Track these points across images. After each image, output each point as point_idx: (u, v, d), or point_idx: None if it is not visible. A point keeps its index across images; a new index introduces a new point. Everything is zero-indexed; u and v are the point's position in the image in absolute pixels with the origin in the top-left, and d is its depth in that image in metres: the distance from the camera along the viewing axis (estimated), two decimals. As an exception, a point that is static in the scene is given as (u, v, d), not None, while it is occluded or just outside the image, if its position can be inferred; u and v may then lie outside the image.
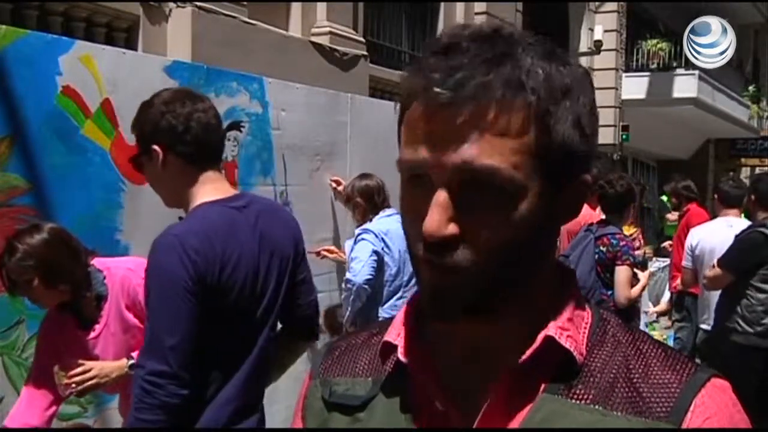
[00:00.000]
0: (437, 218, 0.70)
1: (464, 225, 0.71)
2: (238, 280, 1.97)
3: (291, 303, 2.20)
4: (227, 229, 1.98)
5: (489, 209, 0.71)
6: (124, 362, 2.42)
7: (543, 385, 0.76)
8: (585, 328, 0.79)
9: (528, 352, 0.75)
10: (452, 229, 0.71)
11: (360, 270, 4.04)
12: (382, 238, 4.14)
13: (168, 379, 1.87)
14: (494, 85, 0.70)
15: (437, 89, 0.70)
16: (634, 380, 0.75)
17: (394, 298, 4.20)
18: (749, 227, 4.32)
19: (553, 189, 0.74)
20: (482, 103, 0.69)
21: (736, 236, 4.30)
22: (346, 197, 4.44)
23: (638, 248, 5.25)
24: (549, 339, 0.75)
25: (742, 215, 5.05)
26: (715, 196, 5.22)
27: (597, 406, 0.74)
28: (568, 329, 0.77)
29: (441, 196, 0.71)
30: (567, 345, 0.76)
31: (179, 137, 1.97)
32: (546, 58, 0.73)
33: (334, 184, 4.65)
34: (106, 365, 2.43)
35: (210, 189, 2.03)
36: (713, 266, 4.41)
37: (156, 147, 1.99)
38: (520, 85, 0.70)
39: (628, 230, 5.24)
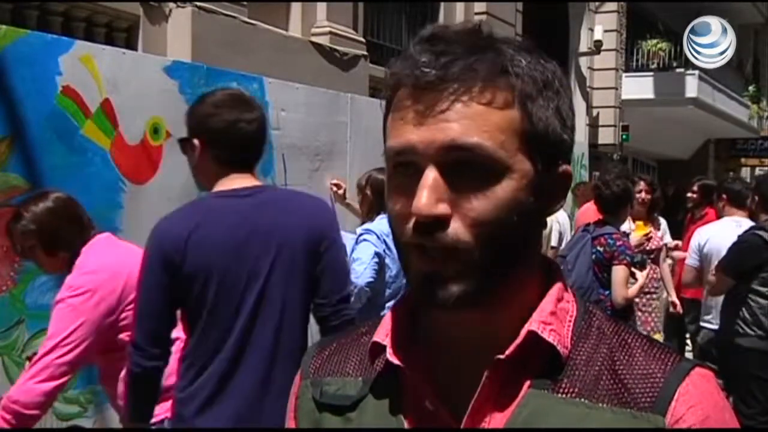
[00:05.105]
0: (427, 197, 0.70)
1: (453, 205, 0.72)
2: (211, 263, 2.01)
3: (310, 301, 2.18)
4: (206, 214, 2.06)
5: (477, 188, 0.72)
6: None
7: (529, 380, 0.76)
8: (569, 321, 0.79)
9: (511, 348, 0.75)
10: (442, 208, 0.71)
11: (362, 272, 4.04)
12: (384, 240, 4.14)
13: (135, 350, 2.06)
14: (479, 67, 0.72)
15: (425, 69, 0.72)
16: (619, 372, 0.76)
17: (394, 299, 4.21)
18: (748, 229, 4.30)
19: (537, 174, 0.74)
20: (468, 82, 0.71)
21: (736, 239, 4.29)
22: (358, 186, 4.42)
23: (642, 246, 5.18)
24: (532, 334, 0.76)
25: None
26: (723, 196, 5.17)
27: (583, 399, 0.74)
28: (552, 323, 0.77)
29: (430, 175, 0.71)
30: (550, 339, 0.76)
31: (218, 141, 2.10)
32: (527, 52, 0.76)
33: (335, 188, 4.65)
34: None
35: (227, 185, 2.12)
36: (712, 273, 4.39)
37: (196, 141, 2.12)
38: (503, 69, 0.73)
39: (643, 229, 5.22)
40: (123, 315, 2.35)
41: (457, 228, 0.71)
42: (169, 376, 2.37)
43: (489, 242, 0.72)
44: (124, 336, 2.35)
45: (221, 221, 2.05)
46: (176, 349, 2.37)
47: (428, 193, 0.71)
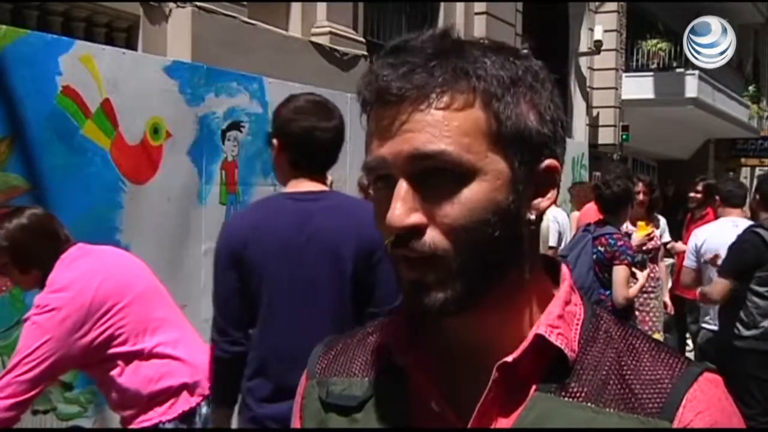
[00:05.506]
0: (399, 209, 0.71)
1: (428, 213, 0.72)
2: (269, 261, 2.12)
3: (359, 313, 2.18)
4: (268, 212, 2.21)
5: (448, 194, 0.72)
6: None
7: (535, 384, 0.76)
8: (577, 324, 0.78)
9: (518, 351, 0.75)
10: (415, 218, 0.71)
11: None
12: (385, 239, 4.14)
13: (220, 336, 2.18)
14: (437, 73, 0.72)
15: (384, 83, 0.72)
16: (626, 377, 0.75)
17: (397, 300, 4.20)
18: (747, 228, 4.30)
19: (517, 172, 0.74)
20: (425, 89, 0.71)
21: (733, 241, 4.28)
22: (360, 185, 4.42)
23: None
24: (539, 337, 0.75)
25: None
26: (716, 197, 5.15)
27: (589, 404, 0.74)
28: (559, 327, 0.77)
29: (401, 187, 0.72)
30: (558, 343, 0.75)
31: (293, 145, 2.21)
32: (494, 52, 0.75)
33: None
34: None
35: (296, 187, 2.22)
36: (710, 282, 4.38)
37: (275, 141, 2.25)
38: (464, 72, 0.72)
39: (645, 230, 5.21)
40: (102, 327, 2.31)
41: (433, 236, 0.71)
42: (160, 379, 2.36)
43: (467, 247, 0.71)
44: (113, 350, 2.32)
45: (284, 221, 2.15)
46: (164, 353, 2.37)
47: (400, 205, 0.71)
